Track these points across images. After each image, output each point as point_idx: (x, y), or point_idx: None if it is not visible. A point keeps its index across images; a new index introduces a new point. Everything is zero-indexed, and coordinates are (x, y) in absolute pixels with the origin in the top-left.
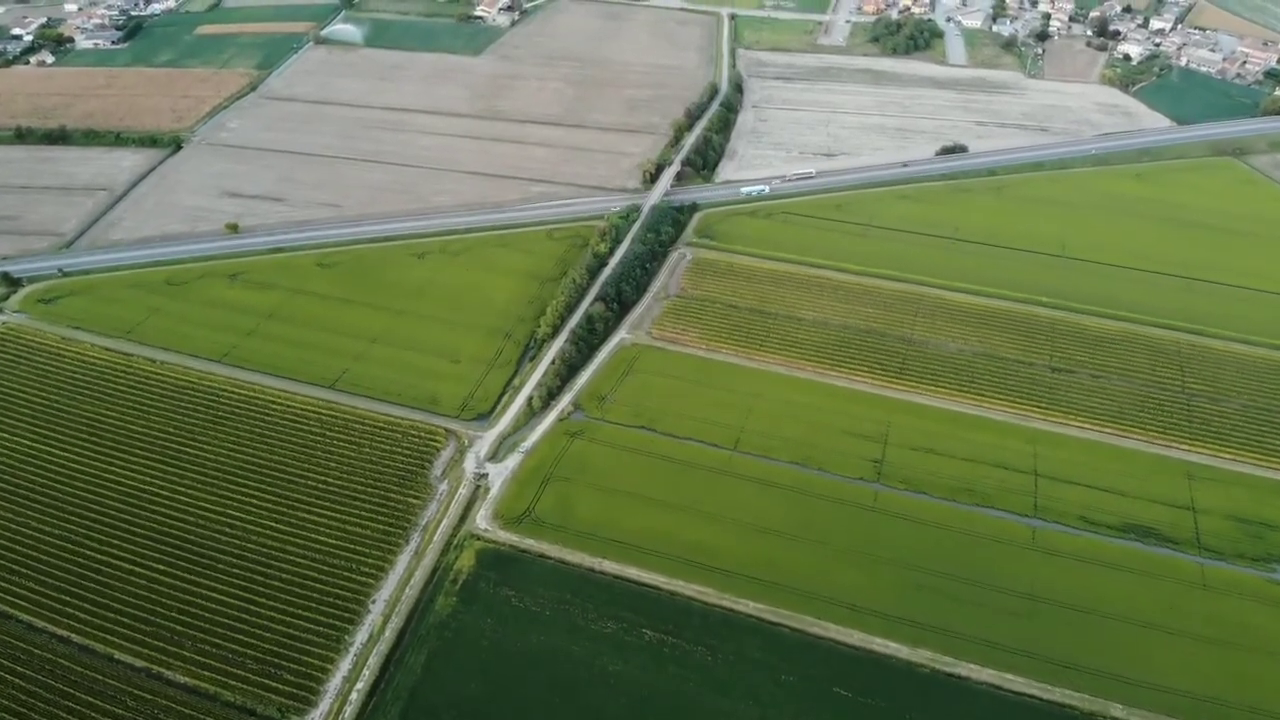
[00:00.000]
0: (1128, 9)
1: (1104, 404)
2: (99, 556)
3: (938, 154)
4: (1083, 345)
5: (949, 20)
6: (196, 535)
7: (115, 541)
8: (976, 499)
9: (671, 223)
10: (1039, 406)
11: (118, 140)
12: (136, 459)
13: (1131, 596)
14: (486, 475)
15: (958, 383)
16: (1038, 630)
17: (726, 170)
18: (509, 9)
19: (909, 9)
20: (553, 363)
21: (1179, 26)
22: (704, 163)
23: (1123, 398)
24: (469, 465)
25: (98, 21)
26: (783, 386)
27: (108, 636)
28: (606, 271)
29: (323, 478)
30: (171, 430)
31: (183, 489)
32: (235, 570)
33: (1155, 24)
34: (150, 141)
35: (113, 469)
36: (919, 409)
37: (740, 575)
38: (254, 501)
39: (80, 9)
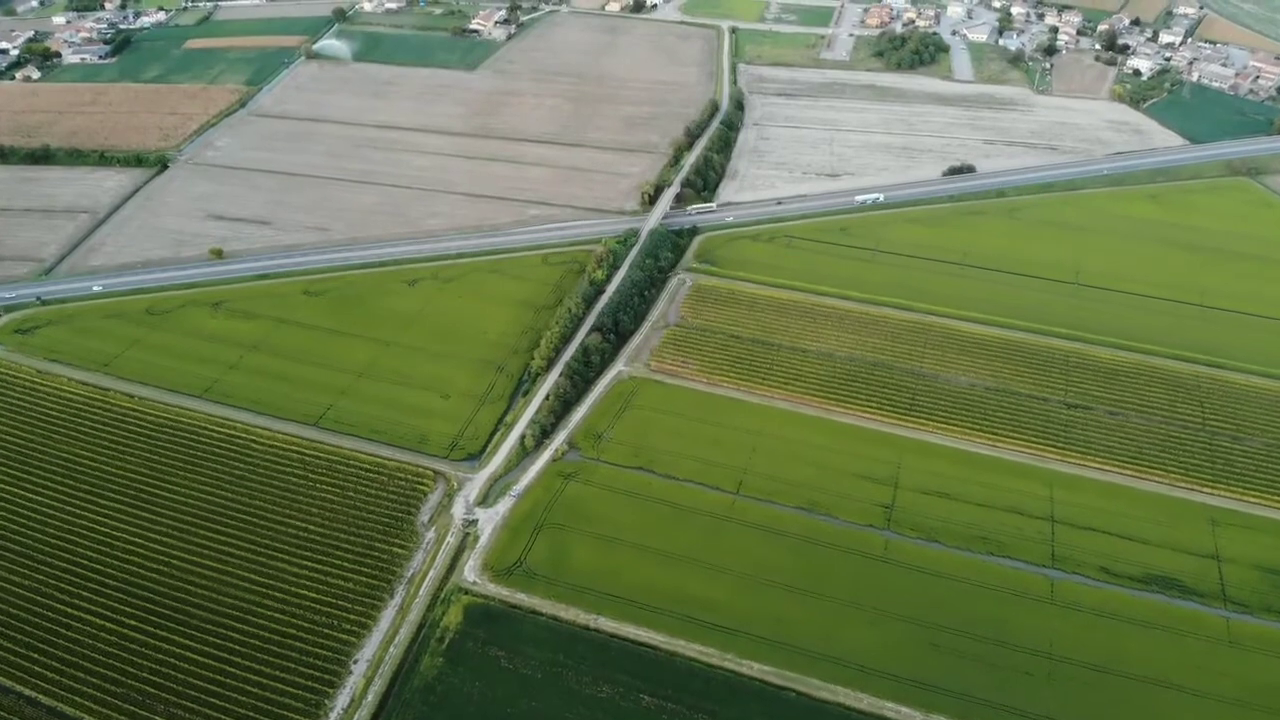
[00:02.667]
0: (1136, 22)
1: (1122, 443)
2: (69, 610)
3: (945, 174)
4: (1099, 379)
5: (954, 34)
6: (170, 588)
7: (86, 594)
8: (991, 548)
9: (671, 247)
10: (1055, 446)
11: (102, 160)
12: (110, 503)
13: (1155, 654)
14: (476, 522)
15: (970, 420)
16: (1057, 693)
17: (727, 191)
18: (505, 22)
19: (913, 22)
20: (547, 398)
21: (1189, 40)
22: (704, 184)
23: (1141, 436)
24: (458, 510)
25: (85, 35)
26: (787, 424)
27: (77, 698)
28: (603, 300)
29: (304, 524)
30: (147, 472)
31: (157, 537)
32: (210, 627)
33: (1165, 37)
34: (135, 161)
35: (85, 514)
36: (930, 448)
37: (744, 634)
38: (231, 551)
39: (68, 22)
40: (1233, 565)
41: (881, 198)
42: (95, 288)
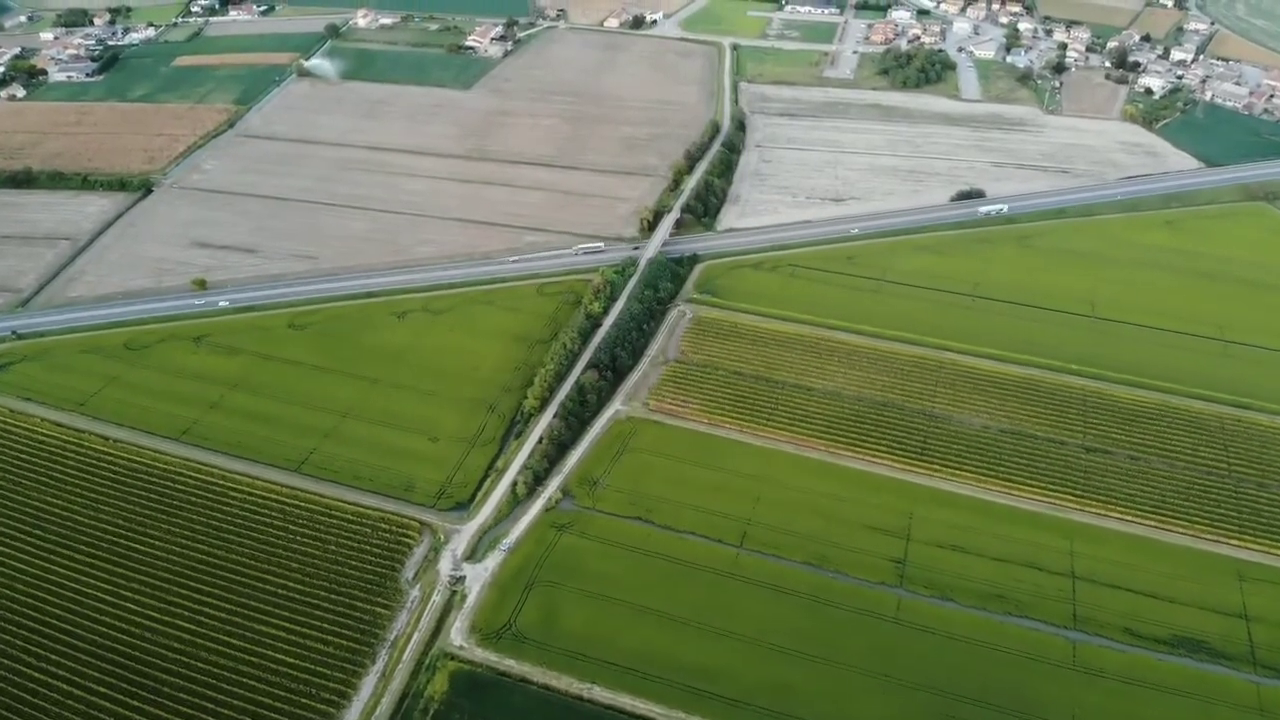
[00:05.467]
0: (1147, 38)
1: (1144, 491)
2: (36, 675)
3: (953, 199)
4: (1118, 421)
5: (961, 51)
6: (143, 651)
7: (54, 657)
8: (1009, 607)
9: (670, 277)
10: (1074, 495)
11: (85, 183)
12: (82, 556)
13: None
14: (463, 578)
15: (985, 465)
16: None
17: (729, 217)
18: (502, 39)
19: (919, 38)
20: (540, 441)
21: (1200, 57)
22: (705, 209)
23: (1164, 483)
24: (444, 566)
25: (73, 52)
26: (793, 469)
27: None
28: (600, 334)
29: (283, 581)
30: (121, 522)
31: (129, 594)
32: (183, 695)
33: (1176, 54)
34: (119, 185)
35: (55, 568)
36: (943, 497)
37: (748, 705)
38: (206, 610)
39: (56, 38)
40: (1261, 625)
41: (1006, 209)
42: (72, 320)
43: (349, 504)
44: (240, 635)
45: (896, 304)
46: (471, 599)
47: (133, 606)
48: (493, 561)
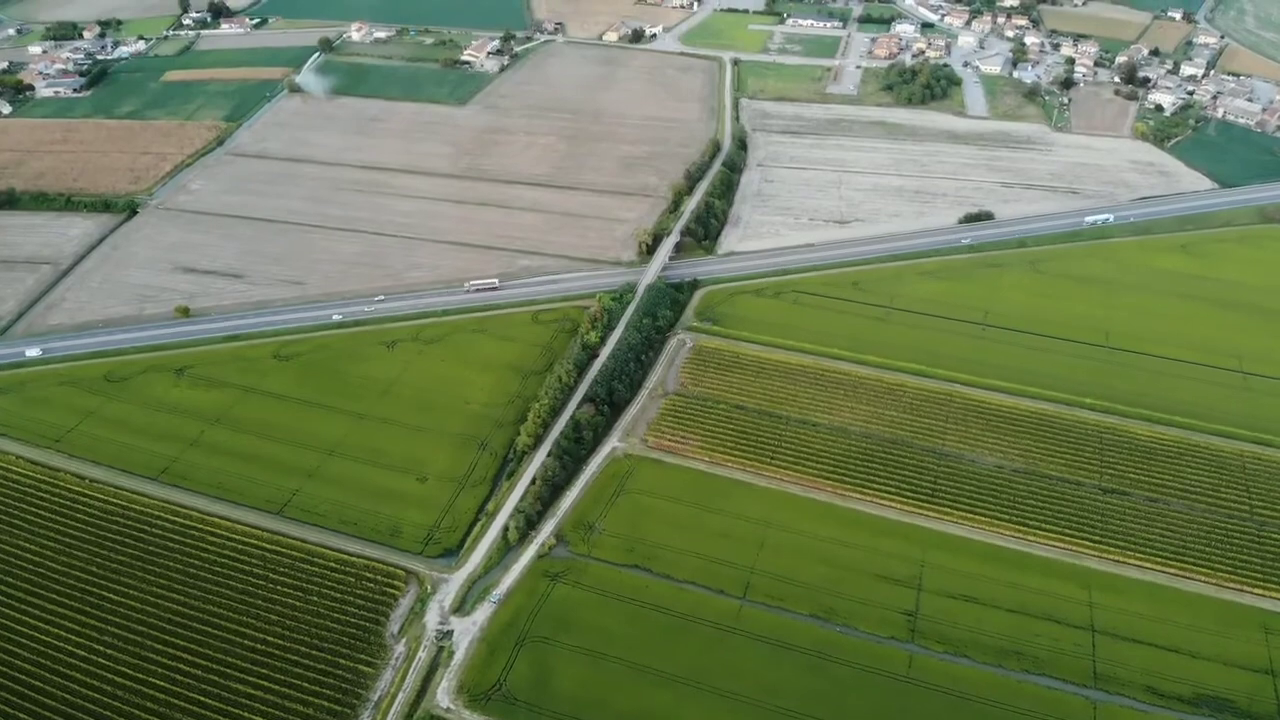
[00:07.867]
0: (1155, 52)
1: (1164, 535)
2: None
3: (961, 221)
4: (1135, 459)
5: (966, 65)
6: (115, 711)
7: (22, 715)
8: (1026, 664)
9: (670, 304)
10: (1091, 540)
11: (68, 204)
12: (53, 606)
13: None
14: (451, 633)
15: (998, 508)
16: None
17: (730, 239)
18: (498, 53)
19: (923, 53)
20: (533, 482)
21: (1211, 73)
22: (705, 232)
23: (1184, 527)
24: (431, 619)
25: (61, 67)
26: (798, 512)
27: None
28: (597, 365)
29: (262, 635)
30: (95, 569)
31: (101, 648)
32: None
33: (1186, 69)
34: (103, 206)
35: (26, 618)
36: (955, 543)
37: None
38: (181, 667)
39: (44, 52)
40: None
41: (1111, 219)
42: (51, 350)
43: (332, 550)
44: (216, 695)
45: (904, 333)
46: (459, 656)
47: (105, 661)
48: (482, 614)
